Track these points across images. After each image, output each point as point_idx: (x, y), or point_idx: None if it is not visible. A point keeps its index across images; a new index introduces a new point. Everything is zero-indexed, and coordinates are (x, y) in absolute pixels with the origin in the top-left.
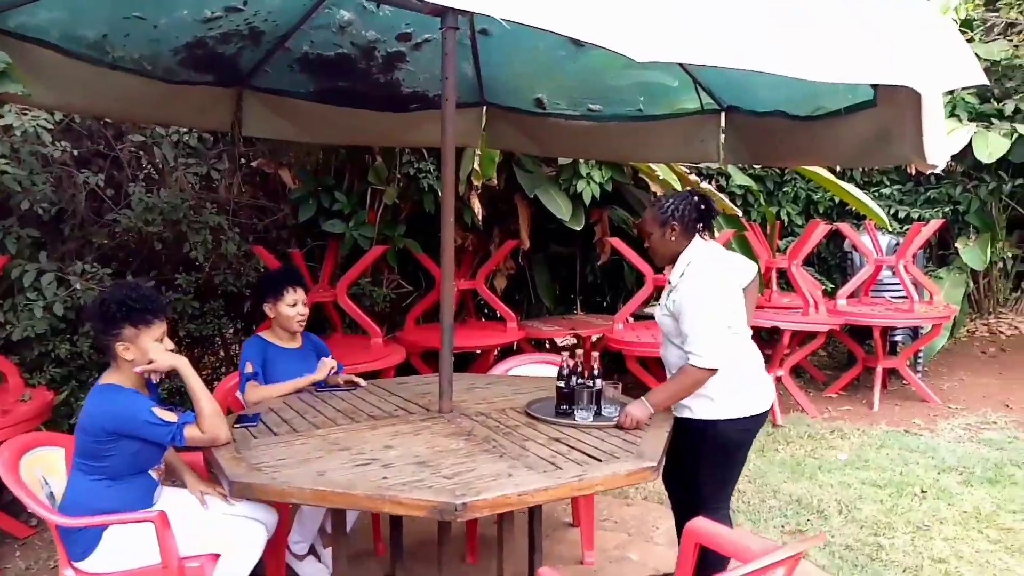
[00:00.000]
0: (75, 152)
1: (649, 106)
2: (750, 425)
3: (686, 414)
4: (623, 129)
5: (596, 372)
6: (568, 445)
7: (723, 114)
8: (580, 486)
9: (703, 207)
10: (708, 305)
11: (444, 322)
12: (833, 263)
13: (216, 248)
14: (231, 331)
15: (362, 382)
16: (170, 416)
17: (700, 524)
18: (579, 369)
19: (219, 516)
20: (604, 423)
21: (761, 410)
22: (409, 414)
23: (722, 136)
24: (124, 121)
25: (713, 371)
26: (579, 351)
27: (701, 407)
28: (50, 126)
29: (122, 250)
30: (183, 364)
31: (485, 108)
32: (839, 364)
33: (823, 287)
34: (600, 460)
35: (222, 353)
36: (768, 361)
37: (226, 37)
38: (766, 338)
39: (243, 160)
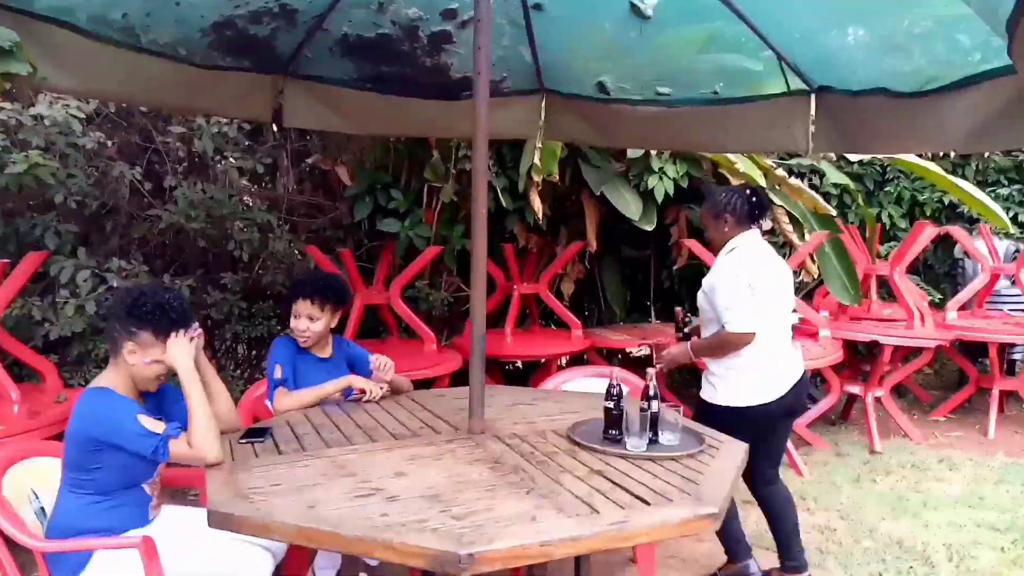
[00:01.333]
0: (110, 143)
1: (727, 89)
2: (773, 407)
3: (711, 397)
4: (697, 115)
5: (653, 392)
6: (611, 481)
7: (813, 96)
8: (618, 536)
9: (755, 199)
10: (742, 278)
11: (475, 331)
12: (941, 271)
13: (264, 247)
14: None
15: (373, 392)
16: (156, 426)
17: None
18: (652, 392)
19: (219, 541)
20: (659, 454)
21: (778, 395)
22: (435, 433)
23: (811, 122)
24: (156, 109)
25: (747, 336)
26: (650, 370)
27: (722, 394)
28: (81, 115)
29: (166, 247)
30: (185, 368)
31: (544, 96)
32: (947, 384)
33: (929, 298)
34: (648, 503)
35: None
36: (865, 379)
37: (255, 16)
38: (864, 353)
39: (299, 157)
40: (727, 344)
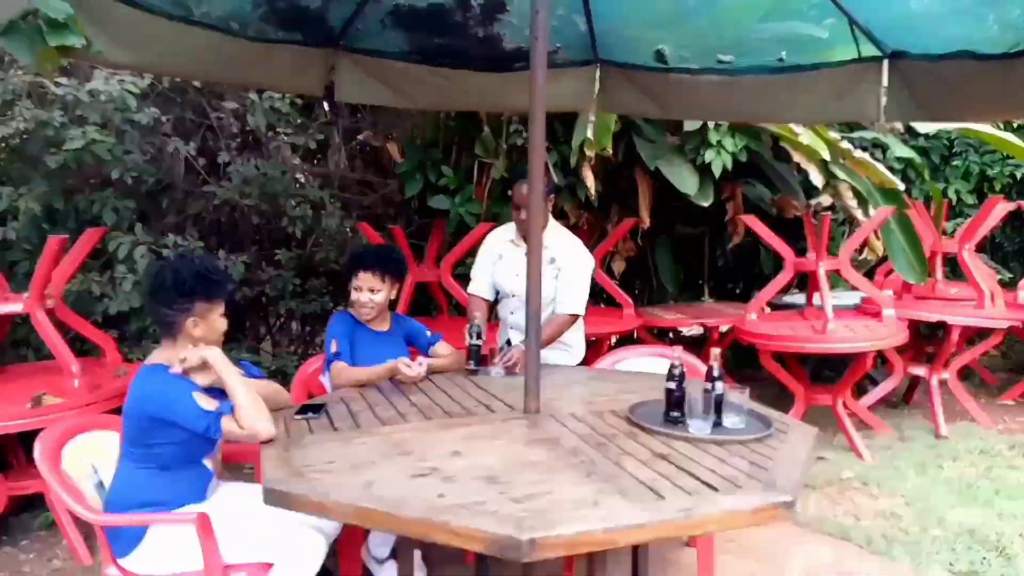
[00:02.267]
0: (165, 119)
1: (792, 56)
2: None
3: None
4: (759, 84)
5: (717, 373)
6: (676, 466)
7: (885, 62)
8: (687, 524)
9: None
10: (587, 264)
11: (531, 307)
12: (1011, 249)
13: (317, 224)
14: (335, 310)
15: (413, 372)
16: (210, 404)
17: None
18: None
19: (275, 518)
20: (726, 437)
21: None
22: (490, 412)
23: (884, 89)
24: (208, 83)
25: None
26: (714, 350)
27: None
28: (136, 91)
29: (220, 224)
30: (214, 355)
31: (599, 67)
32: (1017, 366)
33: (999, 276)
34: (716, 489)
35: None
36: (930, 360)
37: None
38: (927, 334)
39: (351, 134)
40: (568, 325)
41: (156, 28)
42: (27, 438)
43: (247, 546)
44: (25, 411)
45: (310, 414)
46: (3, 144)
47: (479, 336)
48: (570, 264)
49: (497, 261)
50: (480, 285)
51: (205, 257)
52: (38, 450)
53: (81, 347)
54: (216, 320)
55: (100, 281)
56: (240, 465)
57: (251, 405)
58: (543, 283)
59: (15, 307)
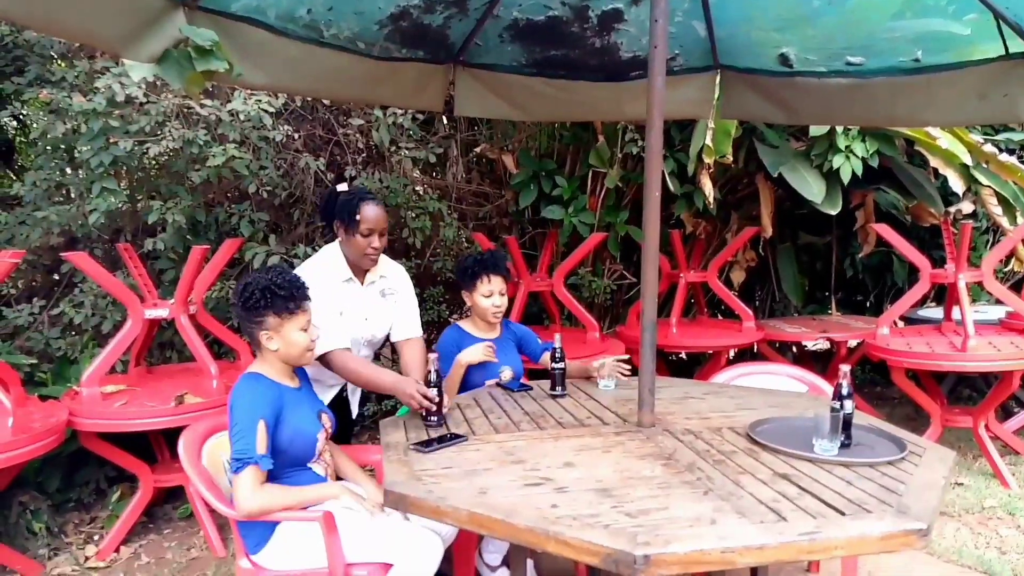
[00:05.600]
0: (297, 136)
1: (930, 56)
2: None
3: None
4: (893, 86)
5: (846, 391)
6: (799, 486)
7: None
8: (811, 548)
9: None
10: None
11: (646, 318)
12: None
13: (435, 234)
14: (452, 318)
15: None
16: (259, 444)
17: None
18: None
19: (392, 522)
20: (854, 460)
21: None
22: (603, 424)
23: None
24: (337, 101)
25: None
26: (843, 367)
27: None
28: (271, 110)
29: None
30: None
31: (719, 72)
32: None
33: None
34: (843, 513)
35: None
36: None
37: (430, 5)
38: None
39: (468, 146)
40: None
41: (290, 51)
42: (170, 433)
43: (368, 546)
44: (169, 409)
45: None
46: (154, 161)
47: (561, 360)
48: (403, 289)
49: (341, 314)
50: (343, 338)
51: (285, 272)
52: (181, 446)
53: (219, 350)
54: (293, 334)
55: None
56: (360, 468)
57: (271, 505)
58: (382, 317)
59: (162, 312)
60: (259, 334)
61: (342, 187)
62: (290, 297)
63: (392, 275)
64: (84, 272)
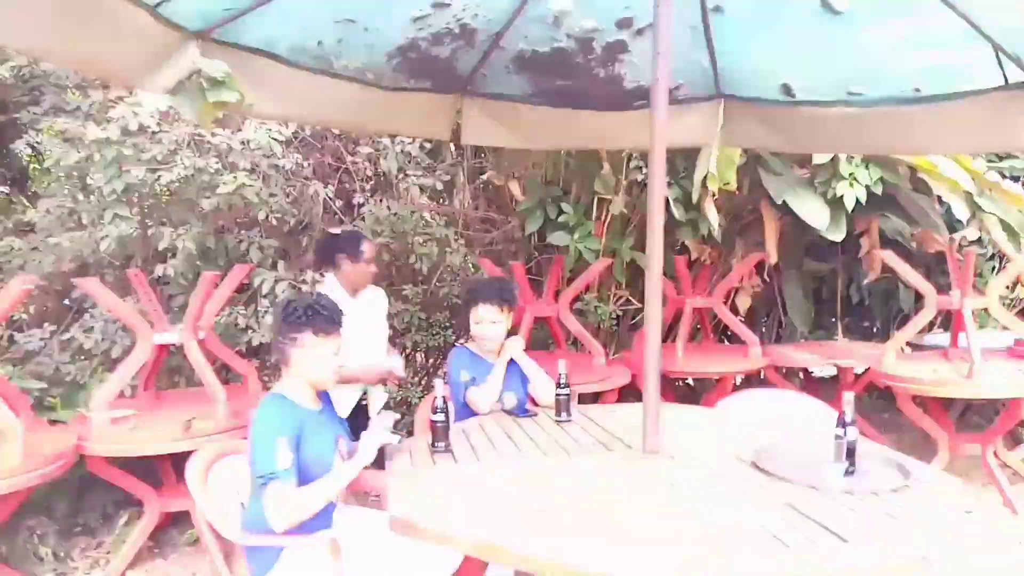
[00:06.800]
0: (306, 164)
1: (931, 86)
2: None
3: None
4: (895, 116)
5: (850, 418)
6: (803, 514)
7: None
8: None
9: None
10: None
11: (650, 345)
12: None
13: (442, 260)
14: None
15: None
16: (285, 460)
17: None
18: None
19: (399, 545)
20: (858, 488)
21: None
22: (607, 451)
23: None
24: (347, 130)
25: None
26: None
27: None
28: (282, 139)
29: None
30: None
31: (722, 102)
32: None
33: None
34: (846, 540)
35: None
36: None
37: (437, 38)
38: None
39: (475, 174)
40: None
41: (300, 81)
42: (177, 458)
43: (373, 572)
44: (177, 434)
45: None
46: (166, 189)
47: (566, 386)
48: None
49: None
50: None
51: (324, 295)
52: (189, 471)
53: (227, 375)
54: (324, 356)
55: (245, 314)
56: (367, 494)
57: (303, 508)
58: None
59: (172, 337)
60: (292, 351)
61: (334, 230)
62: (330, 319)
63: (376, 302)
64: (94, 298)
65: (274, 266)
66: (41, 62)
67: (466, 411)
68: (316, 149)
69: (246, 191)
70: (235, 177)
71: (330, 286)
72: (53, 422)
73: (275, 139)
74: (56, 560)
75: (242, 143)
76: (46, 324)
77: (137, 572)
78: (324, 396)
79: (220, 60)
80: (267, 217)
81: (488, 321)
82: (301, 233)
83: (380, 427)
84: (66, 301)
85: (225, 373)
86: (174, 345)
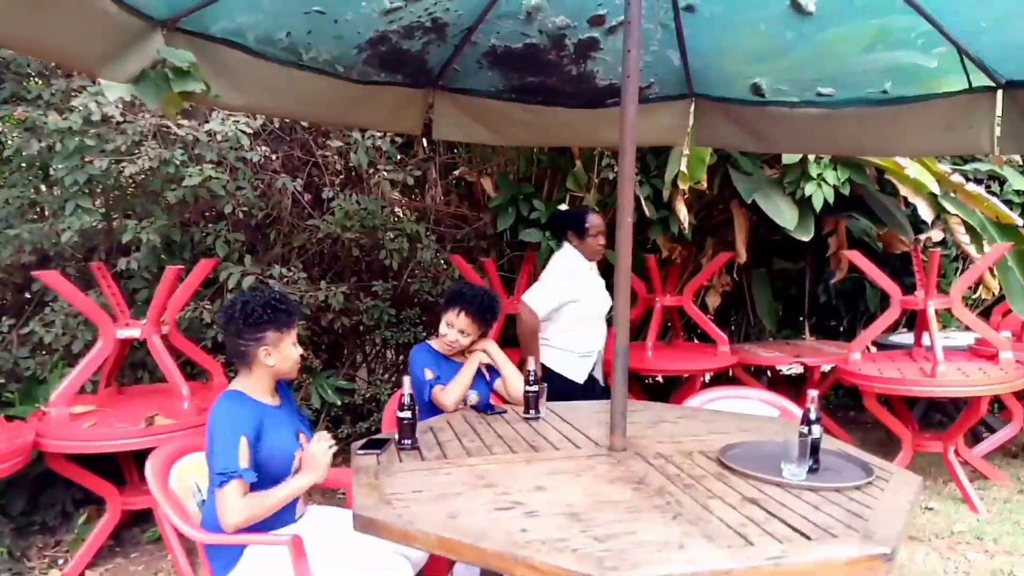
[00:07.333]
0: (274, 157)
1: (898, 88)
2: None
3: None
4: (863, 116)
5: (814, 416)
6: (767, 511)
7: (1000, 92)
8: (777, 572)
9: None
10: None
11: (619, 343)
12: None
13: (413, 256)
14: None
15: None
16: (243, 459)
17: None
18: (813, 415)
19: (363, 543)
20: (821, 484)
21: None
22: (575, 448)
23: (998, 120)
24: (316, 123)
25: (534, 313)
26: (811, 392)
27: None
28: (249, 131)
29: (323, 256)
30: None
31: (694, 101)
32: None
33: None
34: (809, 537)
35: None
36: None
37: (409, 31)
38: None
39: (447, 169)
40: (525, 322)
41: (268, 73)
42: (139, 455)
43: (337, 569)
44: (139, 431)
45: (375, 449)
46: (131, 181)
47: (535, 383)
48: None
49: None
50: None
51: (274, 289)
52: (149, 468)
53: (191, 371)
54: (288, 348)
55: (210, 309)
56: (333, 491)
57: (257, 510)
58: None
59: (134, 332)
60: (257, 351)
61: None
62: (289, 312)
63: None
64: (55, 291)
65: (241, 260)
66: (1, 49)
67: (430, 409)
68: (285, 142)
69: (212, 184)
70: (201, 169)
71: (565, 255)
72: (10, 418)
73: (243, 131)
74: (12, 559)
75: (209, 135)
76: (4, 318)
77: (97, 571)
78: (283, 391)
79: (186, 50)
80: (234, 210)
81: (458, 330)
82: (269, 227)
83: (323, 441)
84: (26, 294)
85: (189, 369)
86: (137, 340)
